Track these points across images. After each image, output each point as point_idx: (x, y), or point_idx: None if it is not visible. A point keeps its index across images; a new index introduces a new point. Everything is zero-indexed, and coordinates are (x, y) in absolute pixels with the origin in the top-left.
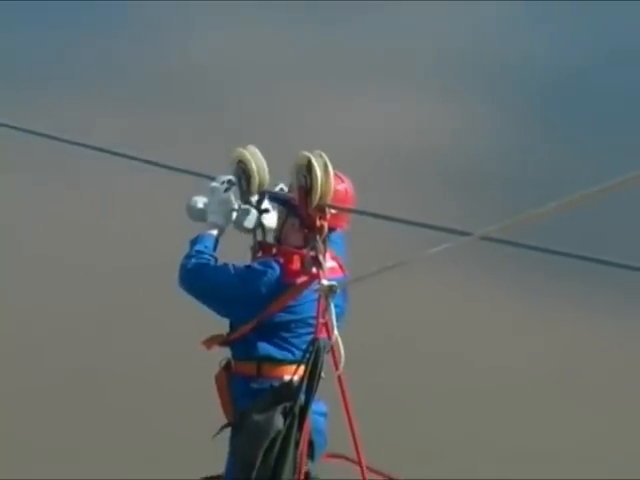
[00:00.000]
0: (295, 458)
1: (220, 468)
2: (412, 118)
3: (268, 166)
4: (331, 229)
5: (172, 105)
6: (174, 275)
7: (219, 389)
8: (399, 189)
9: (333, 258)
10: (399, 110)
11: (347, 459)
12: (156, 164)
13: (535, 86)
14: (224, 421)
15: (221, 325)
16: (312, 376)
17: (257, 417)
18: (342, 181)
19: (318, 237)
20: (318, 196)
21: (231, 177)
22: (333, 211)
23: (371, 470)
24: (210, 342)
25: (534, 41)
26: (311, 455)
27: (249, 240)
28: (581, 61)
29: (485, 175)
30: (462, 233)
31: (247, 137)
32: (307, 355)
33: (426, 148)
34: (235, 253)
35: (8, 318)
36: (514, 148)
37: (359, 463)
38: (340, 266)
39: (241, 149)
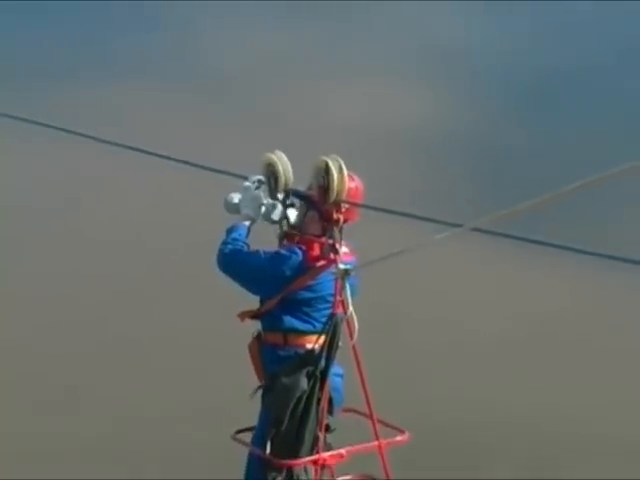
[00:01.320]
0: (317, 413)
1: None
2: (394, 104)
3: (290, 160)
4: (345, 221)
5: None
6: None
7: (252, 356)
8: (384, 160)
9: (347, 246)
10: (383, 97)
11: (360, 413)
12: (202, 167)
13: (498, 79)
14: (256, 384)
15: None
16: (331, 345)
17: (285, 379)
18: (353, 180)
19: (335, 228)
20: (334, 193)
21: (261, 177)
22: (347, 206)
23: (380, 422)
24: (243, 315)
25: (503, 41)
26: (330, 410)
27: (276, 230)
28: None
29: (454, 148)
30: (454, 225)
31: (259, 123)
32: (327, 327)
33: (405, 128)
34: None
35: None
36: (478, 129)
37: (370, 416)
38: (351, 251)
39: (270, 154)
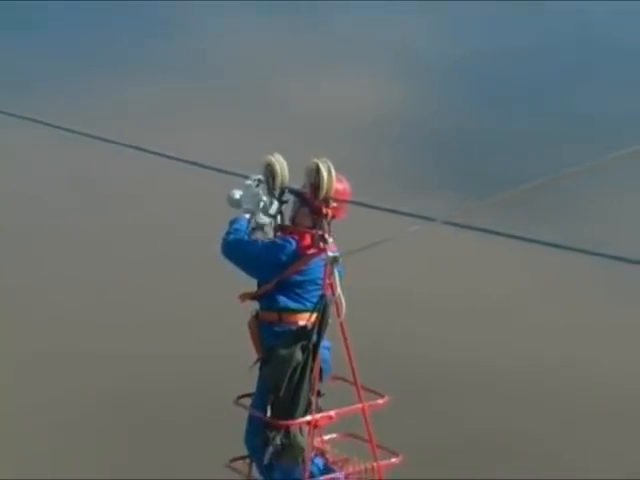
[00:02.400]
0: (310, 381)
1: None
2: (368, 93)
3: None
4: (333, 217)
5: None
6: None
7: (251, 332)
8: (360, 141)
9: (331, 237)
10: (360, 87)
11: (346, 380)
12: (212, 168)
13: (453, 71)
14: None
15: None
16: (322, 322)
17: (282, 352)
18: (341, 181)
19: (324, 221)
20: (324, 191)
21: (260, 176)
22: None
23: (363, 388)
24: (243, 297)
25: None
26: (320, 378)
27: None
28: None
29: (420, 130)
30: (428, 218)
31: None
32: (318, 306)
33: (379, 113)
34: None
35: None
36: (439, 114)
37: (355, 383)
38: (334, 243)
39: (269, 156)
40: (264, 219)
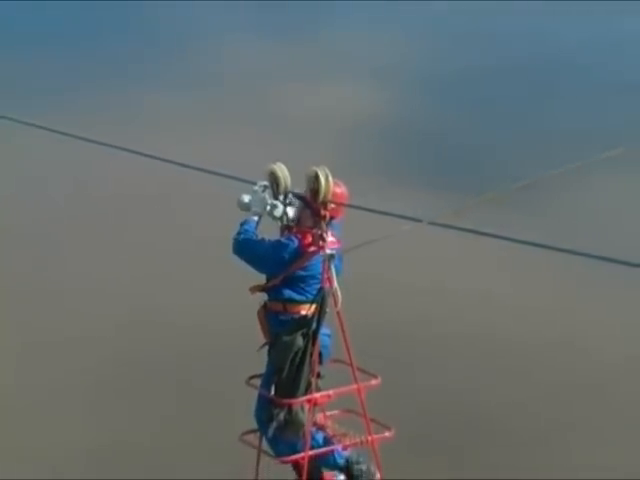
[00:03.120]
0: (310, 364)
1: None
2: (355, 98)
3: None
4: (331, 217)
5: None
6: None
7: (260, 320)
8: (349, 139)
9: (333, 235)
10: (347, 93)
11: (343, 362)
12: (222, 174)
13: (430, 81)
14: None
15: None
16: (321, 311)
17: (286, 338)
18: (339, 186)
19: (323, 222)
20: (323, 196)
21: (266, 183)
22: (333, 205)
23: (359, 369)
24: (253, 289)
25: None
26: (320, 361)
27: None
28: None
29: (400, 131)
30: (414, 219)
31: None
32: (317, 298)
33: (363, 115)
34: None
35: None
36: (419, 117)
37: (351, 365)
38: (337, 240)
39: (273, 165)
40: (278, 212)
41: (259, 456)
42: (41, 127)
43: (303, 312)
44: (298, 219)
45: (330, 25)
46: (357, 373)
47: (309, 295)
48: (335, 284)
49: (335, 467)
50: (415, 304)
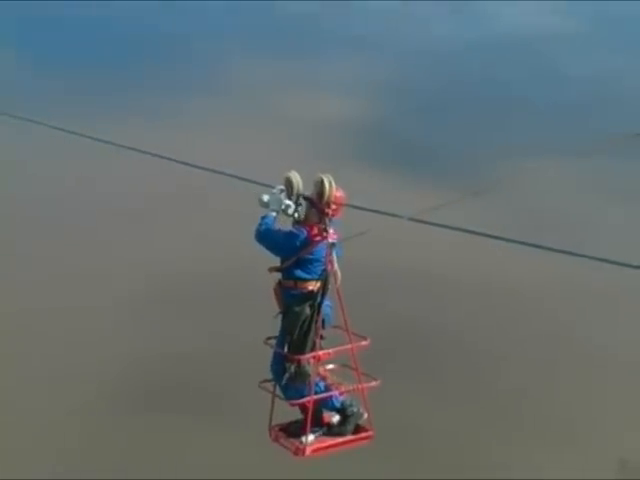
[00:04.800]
0: (315, 328)
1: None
2: (341, 107)
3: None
4: (333, 215)
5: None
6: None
7: (275, 294)
8: (335, 139)
9: (333, 229)
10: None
11: (340, 328)
12: (245, 179)
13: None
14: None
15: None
16: (324, 288)
17: (296, 308)
18: (339, 190)
19: (326, 218)
20: (326, 198)
21: (282, 187)
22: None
23: (353, 333)
24: (271, 269)
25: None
26: (323, 326)
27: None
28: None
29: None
30: (394, 215)
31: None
32: (322, 276)
33: (349, 121)
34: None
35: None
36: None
37: (346, 330)
38: (335, 232)
39: (288, 173)
40: (291, 210)
41: (273, 399)
42: (40, 123)
43: (310, 288)
44: (306, 215)
45: (322, 50)
46: (351, 336)
47: (315, 274)
48: (336, 266)
49: (333, 409)
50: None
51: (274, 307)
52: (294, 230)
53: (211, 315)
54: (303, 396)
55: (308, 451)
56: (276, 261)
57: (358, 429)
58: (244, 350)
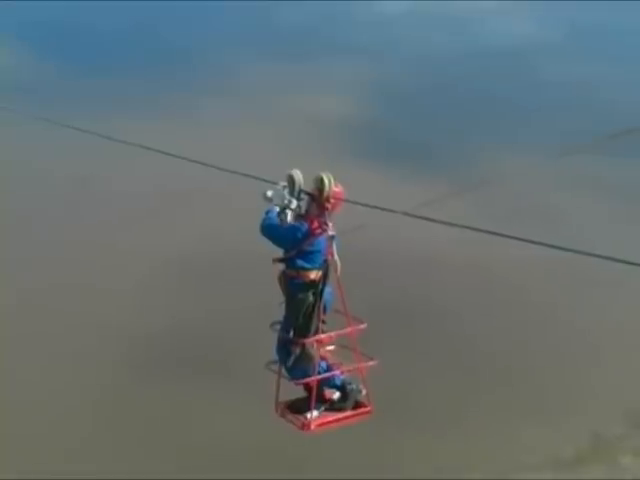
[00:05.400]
0: (318, 314)
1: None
2: (339, 106)
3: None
4: (332, 210)
5: None
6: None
7: (280, 282)
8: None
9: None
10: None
11: (341, 312)
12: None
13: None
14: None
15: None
16: (325, 276)
17: (300, 296)
18: (337, 187)
19: (326, 213)
20: (326, 194)
21: (285, 183)
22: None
23: (352, 317)
24: (275, 260)
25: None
26: (324, 312)
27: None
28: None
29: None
30: (389, 210)
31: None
32: (323, 266)
33: (347, 119)
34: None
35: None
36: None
37: (345, 314)
38: (333, 226)
39: (290, 171)
40: (293, 205)
41: (279, 379)
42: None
43: (312, 277)
44: (307, 210)
45: (322, 55)
46: (350, 321)
47: (316, 264)
48: (336, 256)
49: (334, 387)
50: None
51: (273, 285)
52: (296, 224)
53: (220, 291)
54: (307, 376)
55: (313, 426)
56: (279, 252)
57: (357, 405)
58: (250, 321)
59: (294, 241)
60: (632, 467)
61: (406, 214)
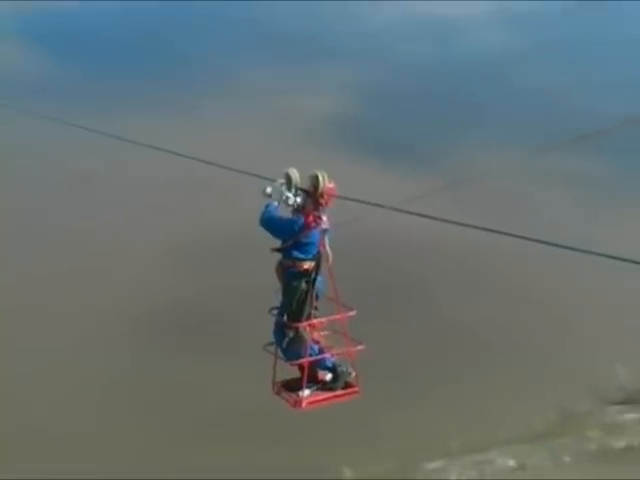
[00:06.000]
0: (311, 301)
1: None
2: (330, 101)
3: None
4: (325, 204)
5: None
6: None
7: (277, 271)
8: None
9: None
10: (327, 97)
11: (331, 299)
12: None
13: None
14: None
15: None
16: (317, 266)
17: (295, 283)
18: (331, 184)
19: (320, 207)
20: (320, 190)
21: (283, 180)
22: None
23: (342, 304)
24: (272, 250)
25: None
26: (316, 299)
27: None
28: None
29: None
30: (377, 205)
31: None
32: (316, 257)
33: (336, 113)
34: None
35: None
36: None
37: (336, 302)
38: (327, 220)
39: (288, 169)
40: (290, 200)
41: (275, 360)
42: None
43: (306, 266)
44: (303, 205)
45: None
46: (340, 308)
47: (310, 255)
48: (328, 248)
49: (325, 368)
50: None
51: (270, 268)
52: (293, 217)
53: (222, 272)
54: (301, 357)
55: (304, 403)
56: (276, 243)
57: (347, 385)
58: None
59: (291, 233)
60: (597, 439)
61: (394, 209)
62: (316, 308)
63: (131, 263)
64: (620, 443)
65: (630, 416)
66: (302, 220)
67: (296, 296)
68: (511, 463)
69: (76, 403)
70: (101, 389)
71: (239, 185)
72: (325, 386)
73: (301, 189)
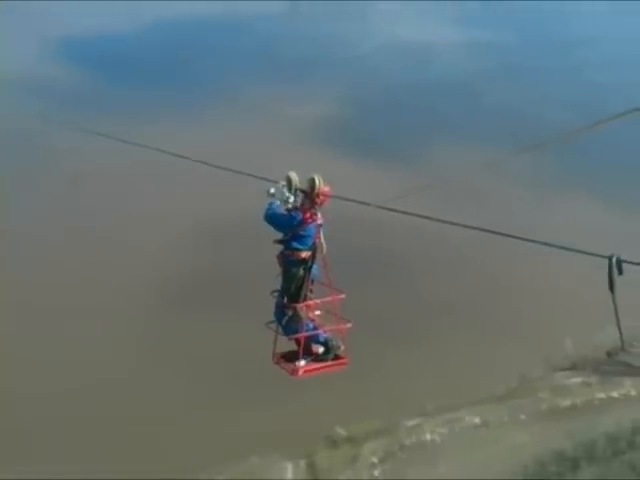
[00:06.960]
0: (308, 285)
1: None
2: (323, 106)
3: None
4: (321, 204)
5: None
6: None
7: (278, 260)
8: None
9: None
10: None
11: (324, 284)
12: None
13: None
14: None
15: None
16: (313, 255)
17: (293, 270)
18: (326, 186)
19: (316, 206)
20: (316, 191)
21: (284, 182)
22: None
23: (335, 288)
24: (275, 242)
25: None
26: (312, 283)
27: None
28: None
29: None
30: (363, 203)
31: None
32: (312, 247)
33: (333, 116)
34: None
35: None
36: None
37: (329, 286)
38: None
39: (288, 173)
40: (291, 200)
41: (276, 335)
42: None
43: (303, 255)
44: (301, 204)
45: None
46: (332, 291)
47: (306, 246)
48: (322, 240)
49: (319, 342)
50: None
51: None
52: (292, 214)
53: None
54: (297, 333)
55: (300, 372)
56: (278, 235)
57: (337, 357)
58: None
59: (291, 227)
60: (548, 400)
61: (380, 207)
62: (311, 291)
63: (160, 240)
64: (566, 402)
65: (575, 380)
66: (300, 216)
67: (294, 281)
68: (476, 420)
69: (117, 354)
70: (137, 344)
71: (239, 184)
72: (318, 358)
73: (300, 190)
